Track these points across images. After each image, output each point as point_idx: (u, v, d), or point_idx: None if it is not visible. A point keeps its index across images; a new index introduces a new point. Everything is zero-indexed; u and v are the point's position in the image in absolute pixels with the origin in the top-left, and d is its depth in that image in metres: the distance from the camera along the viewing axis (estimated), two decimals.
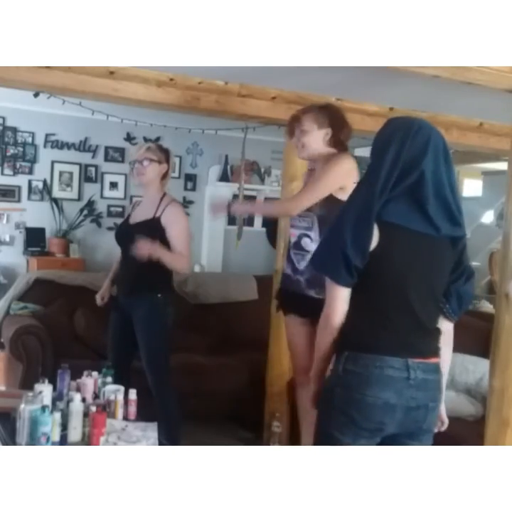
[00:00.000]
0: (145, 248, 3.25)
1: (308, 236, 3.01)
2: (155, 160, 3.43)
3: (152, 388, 3.43)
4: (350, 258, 1.82)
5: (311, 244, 2.98)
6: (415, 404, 1.86)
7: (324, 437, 1.88)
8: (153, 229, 3.37)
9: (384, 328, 1.89)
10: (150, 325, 3.41)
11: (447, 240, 1.94)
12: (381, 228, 1.85)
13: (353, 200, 1.91)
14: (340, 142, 3.01)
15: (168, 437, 3.33)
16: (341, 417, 1.84)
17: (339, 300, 1.88)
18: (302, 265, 3.03)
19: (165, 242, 3.36)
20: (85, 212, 5.77)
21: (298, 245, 3.05)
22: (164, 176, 3.50)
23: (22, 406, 2.56)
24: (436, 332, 2.00)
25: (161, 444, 2.78)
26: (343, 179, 2.93)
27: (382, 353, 1.86)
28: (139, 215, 3.51)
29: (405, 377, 1.85)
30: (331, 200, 2.91)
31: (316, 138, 2.98)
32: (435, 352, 1.97)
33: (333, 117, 2.99)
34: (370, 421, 1.83)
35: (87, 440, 2.66)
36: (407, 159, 1.86)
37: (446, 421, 2.12)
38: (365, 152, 6.46)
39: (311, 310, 3.06)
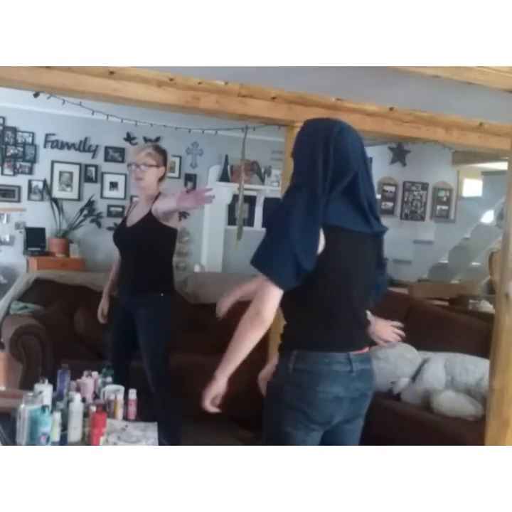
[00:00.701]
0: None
1: None
2: (153, 165, 3.44)
3: (152, 387, 3.43)
4: (301, 262, 1.85)
5: None
6: (358, 395, 1.97)
7: (277, 434, 1.96)
8: (149, 224, 3.39)
9: (330, 326, 1.96)
10: (152, 324, 3.41)
11: (372, 237, 2.05)
12: (326, 231, 1.90)
13: (295, 202, 1.89)
14: None
15: (168, 437, 3.33)
16: (294, 413, 1.91)
17: (275, 300, 1.89)
18: None
19: (162, 234, 3.40)
20: (85, 212, 5.77)
21: None
22: (161, 178, 3.52)
23: (22, 406, 2.56)
24: (367, 323, 2.14)
25: (160, 443, 2.78)
26: None
27: (329, 349, 1.94)
28: (135, 216, 3.53)
29: (349, 370, 1.94)
30: None
31: None
32: (367, 342, 2.10)
33: None
34: (322, 415, 1.93)
35: (87, 440, 2.66)
36: (337, 160, 1.91)
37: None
38: None
39: None
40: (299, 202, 1.88)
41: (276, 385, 2.00)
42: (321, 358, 1.93)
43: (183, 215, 5.84)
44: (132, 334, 3.46)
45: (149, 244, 3.41)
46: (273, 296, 1.88)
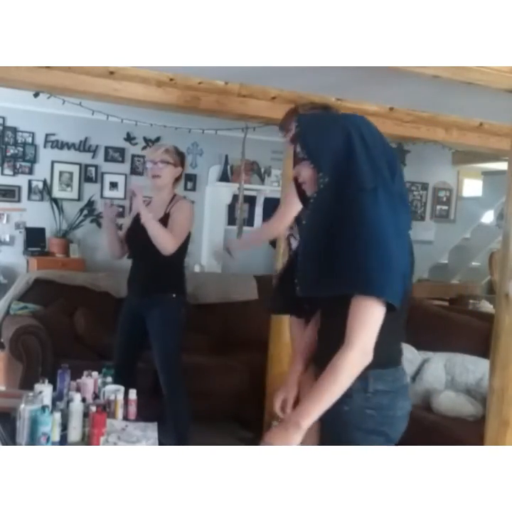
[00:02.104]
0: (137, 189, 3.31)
1: (293, 236, 3.01)
2: (171, 163, 3.43)
3: (164, 388, 3.43)
4: (406, 274, 1.68)
5: (294, 243, 2.99)
6: None
7: None
8: (165, 226, 3.38)
9: (398, 340, 1.83)
10: (165, 325, 3.41)
11: None
12: None
13: (378, 208, 1.66)
14: None
15: (178, 436, 3.34)
16: (375, 438, 1.73)
17: (378, 327, 1.64)
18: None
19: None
20: (85, 212, 5.77)
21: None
22: (177, 179, 3.51)
23: (22, 406, 2.56)
24: None
25: (161, 443, 2.78)
26: None
27: (398, 363, 1.81)
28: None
29: (407, 383, 1.85)
30: None
31: None
32: None
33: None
34: (399, 432, 1.80)
35: (87, 440, 2.66)
36: (384, 152, 1.75)
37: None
38: None
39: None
40: (382, 207, 1.66)
41: (352, 411, 1.72)
42: (394, 375, 1.78)
43: None
44: (141, 335, 3.45)
45: None
46: (379, 323, 1.64)
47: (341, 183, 1.71)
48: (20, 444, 2.55)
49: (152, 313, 3.38)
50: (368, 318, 1.62)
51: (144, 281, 3.47)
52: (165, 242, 3.33)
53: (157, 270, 3.39)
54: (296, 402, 1.88)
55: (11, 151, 5.54)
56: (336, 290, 1.68)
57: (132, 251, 3.60)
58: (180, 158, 3.50)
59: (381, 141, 1.76)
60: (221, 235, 6.24)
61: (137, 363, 3.57)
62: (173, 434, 3.34)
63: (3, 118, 5.50)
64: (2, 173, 5.54)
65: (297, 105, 3.08)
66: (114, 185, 5.92)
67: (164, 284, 3.38)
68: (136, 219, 3.59)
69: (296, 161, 1.88)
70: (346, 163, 1.70)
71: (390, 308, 1.65)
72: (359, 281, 1.62)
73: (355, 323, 1.63)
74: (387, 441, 1.76)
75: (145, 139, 5.86)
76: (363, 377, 1.67)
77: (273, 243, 3.35)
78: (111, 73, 3.26)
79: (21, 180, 5.61)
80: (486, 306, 5.73)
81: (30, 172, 5.64)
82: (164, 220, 3.40)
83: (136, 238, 3.53)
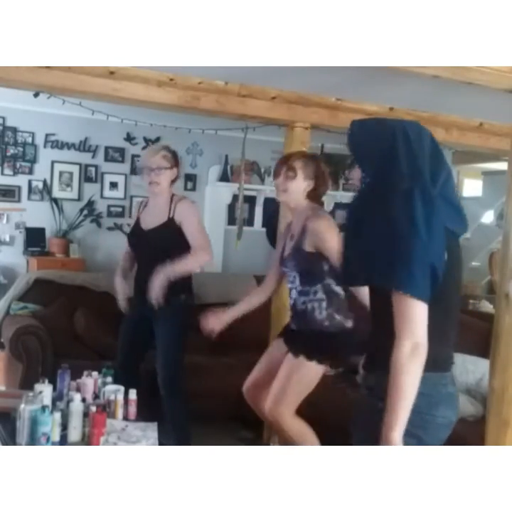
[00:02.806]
0: (159, 284, 3.25)
1: (293, 289, 3.11)
2: (168, 167, 3.42)
3: (162, 388, 3.42)
4: (438, 272, 1.70)
5: (294, 294, 3.09)
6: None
7: None
8: (170, 230, 3.37)
9: (444, 343, 1.81)
10: (173, 326, 3.41)
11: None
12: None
13: (414, 208, 1.71)
14: (317, 196, 3.11)
15: (176, 437, 3.34)
16: (406, 439, 1.68)
17: (425, 319, 1.68)
18: (292, 300, 3.13)
19: (183, 238, 3.37)
20: (85, 212, 5.76)
21: (290, 296, 3.15)
22: (174, 180, 3.51)
23: (22, 406, 2.57)
24: None
25: (161, 443, 2.78)
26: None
27: (445, 369, 1.81)
28: (152, 221, 3.47)
29: (454, 391, 1.83)
30: (307, 254, 3.00)
31: (300, 187, 3.05)
32: None
33: (320, 172, 3.08)
34: (438, 440, 1.80)
35: (87, 440, 2.67)
36: (431, 156, 1.81)
37: None
38: None
39: (290, 339, 3.16)
40: (417, 207, 1.71)
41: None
42: (438, 380, 1.77)
43: None
44: (146, 337, 3.44)
45: (170, 248, 3.37)
46: (424, 316, 1.67)
47: (380, 183, 1.80)
48: (20, 444, 2.55)
49: (161, 314, 3.37)
50: (407, 311, 1.66)
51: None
52: (201, 260, 3.37)
53: None
54: None
55: (11, 151, 5.54)
56: (364, 282, 1.83)
57: (137, 254, 3.58)
58: (174, 159, 3.48)
59: (430, 148, 1.81)
60: (221, 235, 6.24)
61: (140, 363, 3.56)
62: (172, 435, 3.34)
63: (3, 118, 5.50)
64: (2, 173, 5.53)
65: (288, 155, 3.19)
66: (114, 185, 5.92)
67: (173, 287, 3.33)
68: (137, 224, 3.58)
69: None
70: (386, 163, 1.79)
71: (435, 306, 1.70)
72: (382, 275, 1.71)
73: (398, 319, 1.68)
74: (420, 444, 1.73)
75: (145, 139, 5.86)
76: None
77: (273, 243, 3.36)
78: (111, 73, 3.26)
79: (21, 180, 5.61)
80: (486, 306, 5.73)
81: (30, 172, 5.64)
82: (168, 225, 3.38)
83: (141, 245, 3.51)
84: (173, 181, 3.49)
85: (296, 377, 2.99)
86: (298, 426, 3.03)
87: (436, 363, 1.75)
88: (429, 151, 1.81)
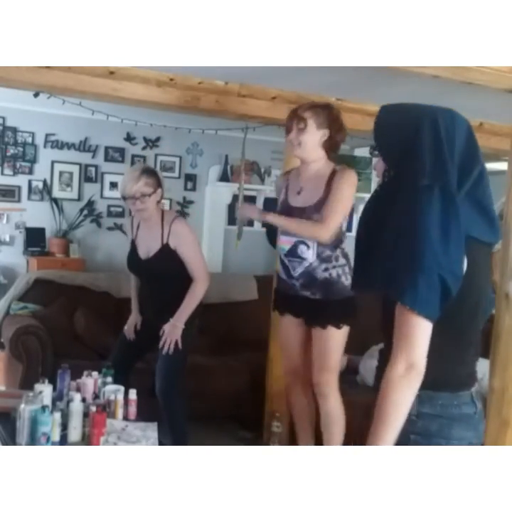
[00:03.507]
0: (174, 337, 3.30)
1: (304, 243, 3.03)
2: (152, 192, 3.29)
3: (159, 396, 3.39)
4: (450, 286, 1.49)
5: (307, 252, 3.02)
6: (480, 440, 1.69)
7: None
8: (166, 257, 3.35)
9: (457, 360, 1.65)
10: (181, 343, 3.37)
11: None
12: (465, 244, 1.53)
13: (430, 209, 1.52)
14: (334, 144, 3.04)
15: (174, 438, 3.34)
16: None
17: (427, 339, 1.50)
18: (298, 272, 3.06)
19: (181, 262, 3.36)
20: (85, 212, 5.77)
21: (293, 252, 3.07)
22: (159, 200, 3.41)
23: (22, 406, 2.57)
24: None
25: (161, 444, 2.78)
26: (353, 194, 3.02)
27: (458, 388, 1.63)
28: (147, 248, 3.42)
29: (474, 412, 1.65)
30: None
31: (314, 138, 2.98)
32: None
33: (333, 119, 3.01)
34: None
35: (87, 440, 2.66)
36: (461, 151, 1.59)
37: None
38: (364, 152, 6.46)
39: (306, 310, 3.12)
40: (433, 208, 1.51)
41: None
42: (449, 400, 1.61)
43: (182, 215, 5.84)
44: (150, 339, 3.43)
45: (169, 273, 3.37)
46: (425, 335, 1.49)
47: (402, 178, 1.61)
48: (20, 444, 2.55)
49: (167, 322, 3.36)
50: (407, 328, 1.50)
51: (158, 304, 3.46)
52: (202, 289, 3.38)
53: (170, 294, 3.37)
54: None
55: (11, 151, 5.54)
56: (373, 290, 1.63)
57: (140, 278, 3.57)
58: (156, 180, 3.33)
59: (464, 141, 1.61)
60: (221, 235, 6.24)
61: (135, 363, 3.56)
62: (169, 436, 3.33)
63: (3, 118, 5.50)
64: (2, 173, 5.53)
65: (298, 106, 3.10)
66: (114, 185, 5.91)
67: (179, 304, 3.35)
68: (134, 251, 3.50)
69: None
70: (408, 156, 1.59)
71: (450, 322, 1.55)
72: (386, 283, 1.54)
73: (397, 334, 1.52)
74: None
75: (145, 139, 5.87)
76: None
77: (273, 243, 3.34)
78: (111, 73, 3.26)
79: (21, 180, 5.61)
80: None
81: (30, 172, 5.64)
82: (164, 252, 3.34)
83: (142, 271, 3.49)
84: (158, 201, 3.40)
85: (333, 347, 3.06)
86: (340, 401, 3.14)
87: (448, 382, 1.62)
88: (461, 144, 1.59)
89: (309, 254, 3.01)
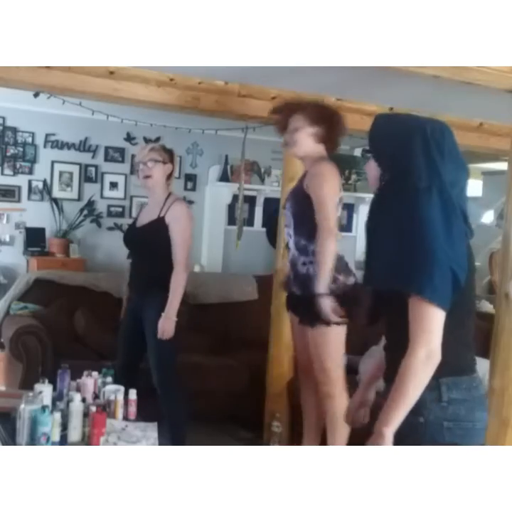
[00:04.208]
0: (171, 329, 3.30)
1: (288, 233, 3.11)
2: (160, 160, 3.40)
3: (158, 387, 3.42)
4: (459, 276, 1.63)
5: (290, 242, 3.08)
6: None
7: None
8: (158, 228, 3.37)
9: (466, 345, 1.76)
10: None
11: None
12: None
13: (431, 208, 1.66)
14: (331, 140, 3.05)
15: (173, 437, 3.34)
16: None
17: (442, 326, 1.61)
18: (287, 263, 3.15)
19: (168, 240, 3.36)
20: (85, 212, 5.77)
21: (287, 246, 3.16)
22: (169, 176, 3.49)
23: (22, 406, 2.56)
24: None
25: (161, 444, 2.78)
26: (337, 190, 3.01)
27: (471, 372, 1.74)
28: (145, 218, 3.50)
29: (485, 391, 1.77)
30: (304, 196, 2.99)
31: (308, 135, 3.00)
32: None
33: (324, 114, 3.03)
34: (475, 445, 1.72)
35: (87, 440, 2.66)
36: (450, 162, 1.73)
37: None
38: None
39: (296, 308, 3.16)
40: (435, 207, 1.65)
41: (427, 423, 1.66)
42: (470, 383, 1.70)
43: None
44: (142, 334, 3.44)
45: (157, 246, 3.37)
46: (441, 324, 1.61)
47: (398, 182, 1.74)
48: (20, 444, 2.55)
49: (149, 311, 3.37)
50: (424, 318, 1.60)
51: (140, 280, 3.47)
52: (182, 283, 3.34)
53: (152, 269, 3.38)
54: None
55: (11, 151, 5.54)
56: (384, 285, 1.71)
57: (130, 251, 3.61)
58: (168, 155, 3.45)
59: (450, 149, 1.74)
60: (221, 235, 6.25)
61: (140, 363, 3.56)
62: (168, 435, 3.33)
63: (3, 118, 5.50)
64: (2, 173, 5.54)
65: (284, 103, 3.12)
66: (114, 185, 5.92)
67: (161, 282, 3.33)
68: (134, 222, 3.62)
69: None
70: (404, 162, 1.72)
71: (460, 310, 1.66)
72: (401, 278, 1.64)
73: (414, 325, 1.62)
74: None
75: (145, 139, 5.86)
76: (435, 387, 1.65)
77: (273, 243, 3.35)
78: (111, 73, 3.26)
79: (21, 180, 5.61)
80: (486, 306, 5.72)
81: (30, 172, 5.64)
82: (157, 223, 3.37)
83: (133, 238, 3.54)
84: (168, 177, 3.47)
85: (326, 347, 3.03)
86: (345, 396, 3.07)
87: (466, 365, 1.73)
88: (448, 154, 1.73)
89: (291, 243, 3.08)
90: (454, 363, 1.67)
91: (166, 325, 3.29)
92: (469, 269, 1.70)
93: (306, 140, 3.01)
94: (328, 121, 3.02)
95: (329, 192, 2.95)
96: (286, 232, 3.16)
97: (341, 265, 3.01)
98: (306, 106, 3.04)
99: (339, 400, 3.09)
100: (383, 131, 1.81)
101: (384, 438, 1.61)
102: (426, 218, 1.64)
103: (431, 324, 1.60)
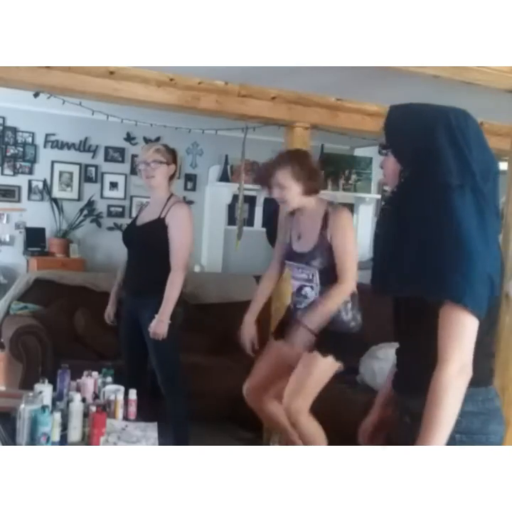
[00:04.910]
0: (163, 332, 3.29)
1: (309, 286, 3.08)
2: (163, 162, 3.41)
3: (162, 387, 3.42)
4: (495, 282, 1.52)
5: (311, 292, 3.07)
6: None
7: None
8: (158, 229, 3.37)
9: (488, 355, 1.67)
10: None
11: None
12: None
13: (463, 208, 1.52)
14: (315, 189, 3.06)
15: (176, 436, 3.34)
16: None
17: (474, 336, 1.50)
18: (302, 306, 3.11)
19: (167, 241, 3.36)
20: (85, 212, 5.77)
21: (299, 292, 3.13)
22: (171, 177, 3.49)
23: (22, 406, 2.57)
24: None
25: (161, 443, 2.78)
26: (353, 232, 3.05)
27: (488, 383, 1.65)
28: (146, 217, 3.50)
29: (501, 404, 1.66)
30: (329, 250, 2.98)
31: (296, 190, 3.01)
32: None
33: (307, 167, 3.02)
34: None
35: (87, 440, 2.67)
36: (478, 155, 1.60)
37: None
38: (364, 152, 6.47)
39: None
40: (469, 208, 1.52)
41: None
42: (485, 395, 1.61)
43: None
44: (141, 337, 3.44)
45: (156, 246, 3.37)
46: (475, 334, 1.49)
47: (424, 178, 1.58)
48: (20, 444, 2.55)
49: (146, 313, 3.36)
50: (459, 329, 1.48)
51: (137, 281, 3.46)
52: (179, 285, 3.32)
53: (150, 270, 3.38)
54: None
55: (11, 151, 5.54)
56: (404, 292, 1.59)
57: (128, 249, 3.60)
58: (172, 155, 3.47)
59: (477, 139, 1.61)
60: (221, 235, 6.25)
61: (145, 363, 3.55)
62: (171, 434, 3.34)
63: (3, 118, 5.50)
64: (2, 173, 5.54)
65: (271, 159, 3.13)
66: (114, 185, 5.92)
67: (157, 283, 3.33)
68: (133, 221, 3.62)
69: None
70: (429, 156, 1.57)
71: (484, 320, 1.53)
72: (431, 285, 1.51)
73: (445, 335, 1.50)
74: None
75: (145, 139, 5.86)
76: None
77: (273, 243, 3.35)
78: (111, 73, 3.26)
79: (21, 180, 5.61)
80: None
81: (30, 172, 5.65)
82: (157, 224, 3.37)
83: (132, 237, 3.53)
84: (171, 178, 3.47)
85: (313, 373, 3.01)
86: (313, 423, 3.05)
87: (483, 376, 1.61)
88: (475, 144, 1.60)
89: (313, 294, 3.07)
90: (473, 374, 1.52)
91: (158, 328, 3.28)
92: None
93: (296, 196, 3.02)
94: (310, 173, 3.01)
95: (352, 241, 3.00)
96: (301, 278, 3.09)
97: (359, 304, 3.06)
98: (280, 161, 3.03)
99: (304, 424, 3.03)
100: (402, 123, 1.65)
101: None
102: (459, 220, 1.51)
103: (465, 335, 1.49)
